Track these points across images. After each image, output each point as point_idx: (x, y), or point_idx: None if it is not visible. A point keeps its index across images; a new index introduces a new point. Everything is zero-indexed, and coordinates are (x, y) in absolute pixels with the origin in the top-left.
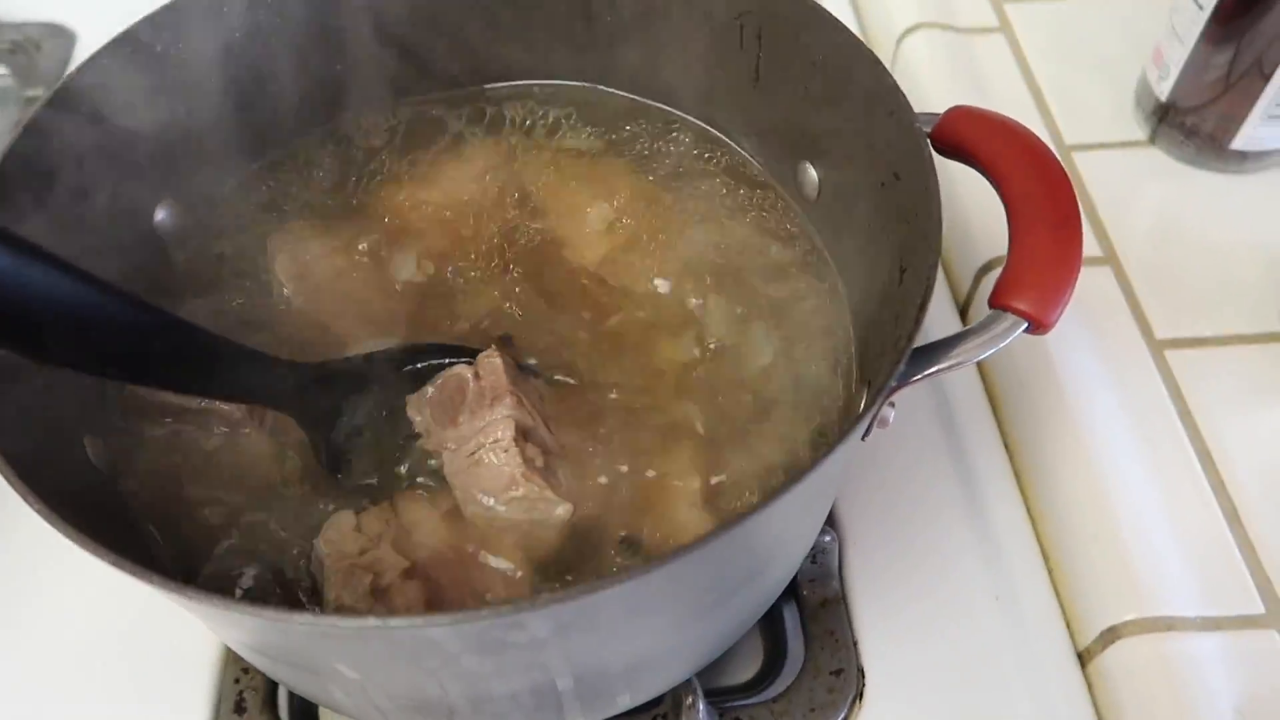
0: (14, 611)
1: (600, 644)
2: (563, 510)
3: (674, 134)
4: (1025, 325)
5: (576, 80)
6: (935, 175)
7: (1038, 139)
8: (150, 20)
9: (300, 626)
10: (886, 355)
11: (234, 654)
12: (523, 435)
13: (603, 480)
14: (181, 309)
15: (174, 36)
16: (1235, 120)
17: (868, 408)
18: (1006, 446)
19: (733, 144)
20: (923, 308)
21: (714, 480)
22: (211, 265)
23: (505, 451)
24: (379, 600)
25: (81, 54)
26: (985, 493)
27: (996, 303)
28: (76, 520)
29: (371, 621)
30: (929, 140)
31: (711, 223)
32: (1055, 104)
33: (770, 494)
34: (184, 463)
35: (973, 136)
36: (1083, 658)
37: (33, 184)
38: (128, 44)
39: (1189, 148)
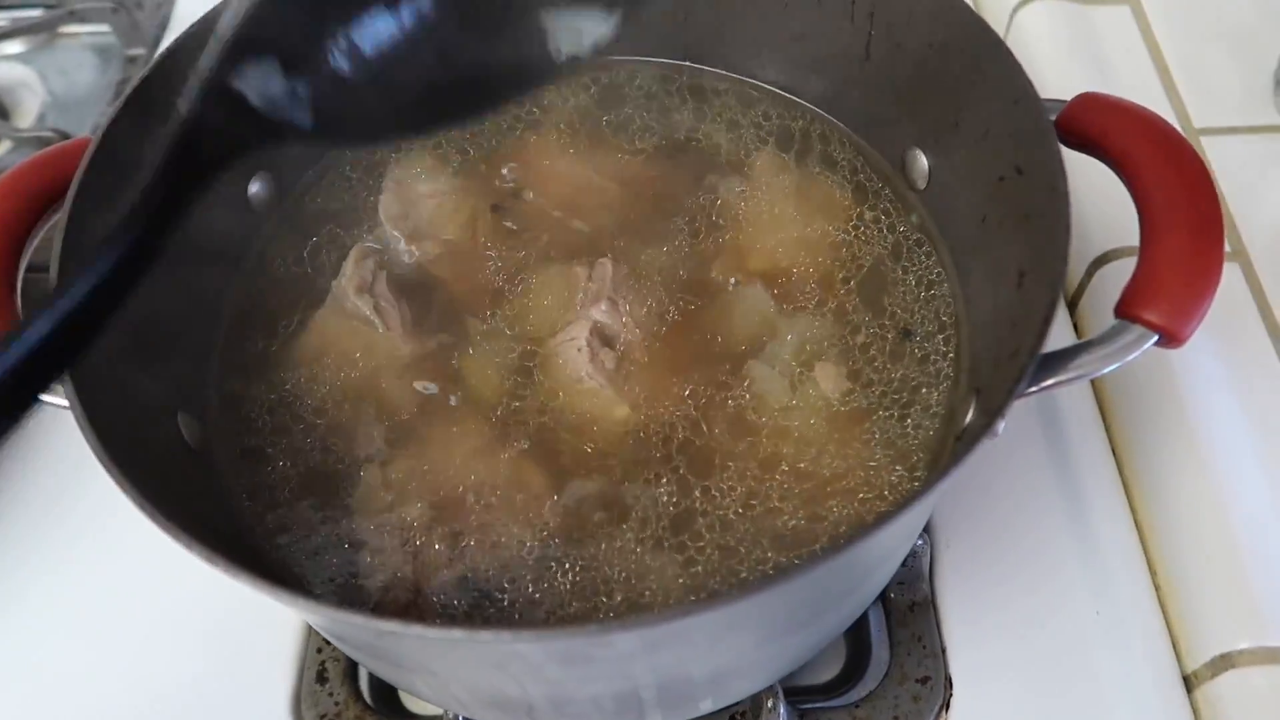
0: (107, 577)
1: (686, 658)
2: (623, 410)
3: (773, 112)
4: (1155, 338)
5: (670, 58)
6: (1065, 175)
7: (1177, 133)
8: None
9: (387, 633)
10: (1001, 366)
11: None
12: (601, 338)
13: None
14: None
15: None
16: None
17: (983, 427)
18: (1115, 452)
19: (839, 124)
20: (1047, 321)
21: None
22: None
23: (579, 351)
24: None
25: (182, 13)
26: (1089, 500)
27: (1124, 312)
28: (170, 508)
29: (457, 633)
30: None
31: (812, 206)
32: (1183, 83)
33: (878, 520)
34: (279, 440)
35: (1103, 127)
36: (1189, 682)
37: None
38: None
39: None
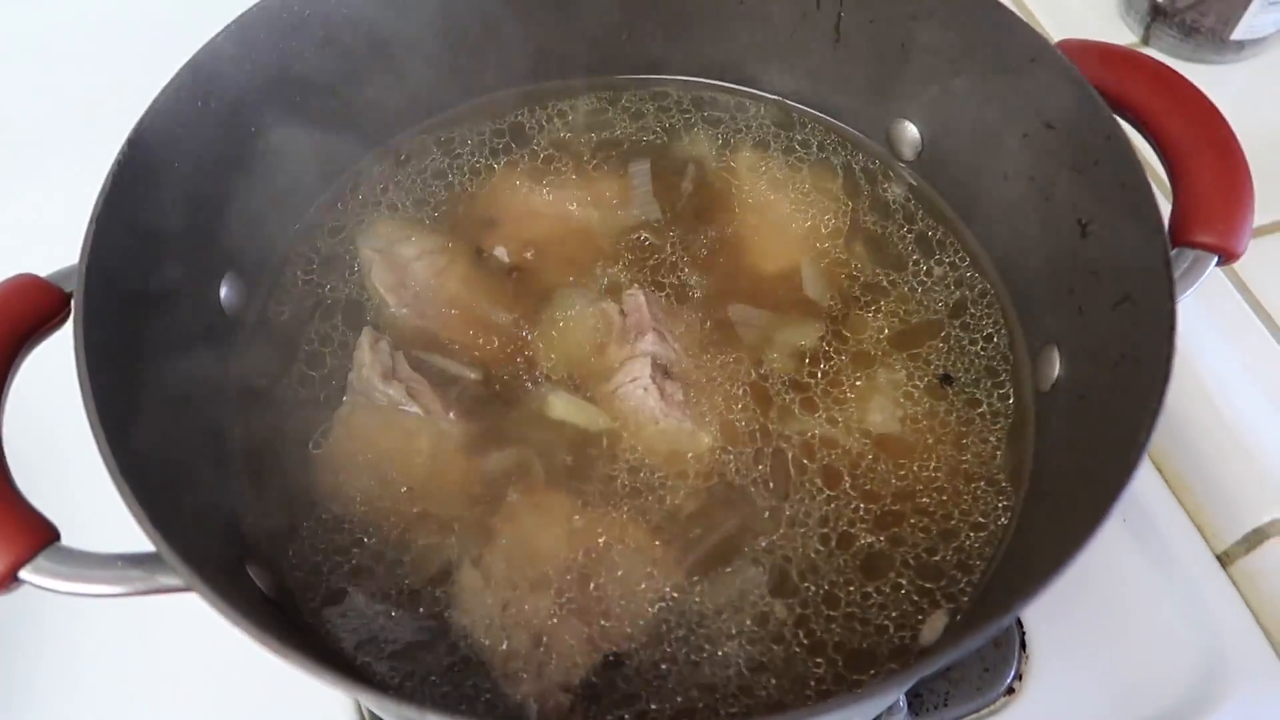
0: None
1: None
2: (706, 439)
3: (752, 113)
4: (1215, 259)
5: (643, 74)
6: (1115, 120)
7: (1169, 67)
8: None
9: None
10: (1095, 314)
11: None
12: (662, 371)
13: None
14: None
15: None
16: (1237, 8)
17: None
18: None
19: (813, 111)
20: (1168, 265)
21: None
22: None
23: (645, 391)
24: None
25: None
26: None
27: (1179, 240)
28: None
29: None
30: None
31: (799, 196)
32: (1034, 5)
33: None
34: (355, 573)
35: (1095, 71)
36: (1223, 561)
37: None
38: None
39: (1188, 45)
